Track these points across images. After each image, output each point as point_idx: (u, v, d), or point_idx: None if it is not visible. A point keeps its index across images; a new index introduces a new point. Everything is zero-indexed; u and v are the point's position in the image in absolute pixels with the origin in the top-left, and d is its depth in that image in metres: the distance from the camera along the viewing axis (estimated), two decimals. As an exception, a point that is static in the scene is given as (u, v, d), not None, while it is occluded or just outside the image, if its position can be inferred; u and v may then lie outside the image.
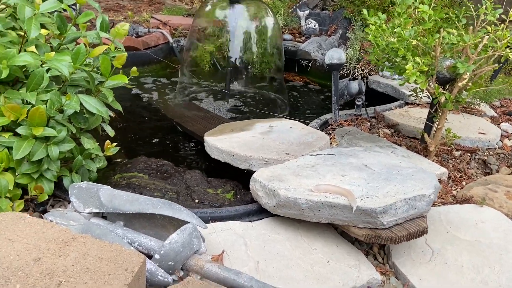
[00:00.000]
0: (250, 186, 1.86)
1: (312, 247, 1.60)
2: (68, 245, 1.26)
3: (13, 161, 1.58)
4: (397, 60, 2.17)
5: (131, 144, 2.77)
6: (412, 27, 2.16)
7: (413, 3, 2.17)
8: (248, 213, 1.81)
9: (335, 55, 2.80)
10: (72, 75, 1.84)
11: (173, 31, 4.82)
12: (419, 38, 2.19)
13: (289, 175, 1.81)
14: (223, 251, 1.51)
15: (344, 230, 1.63)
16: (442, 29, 2.19)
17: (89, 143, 1.82)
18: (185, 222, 1.43)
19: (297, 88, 4.24)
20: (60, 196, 1.77)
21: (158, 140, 2.87)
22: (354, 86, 2.95)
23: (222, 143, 2.27)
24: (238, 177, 2.27)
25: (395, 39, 2.08)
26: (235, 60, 3.78)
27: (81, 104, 1.78)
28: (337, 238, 1.67)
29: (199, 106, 3.42)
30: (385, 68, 2.30)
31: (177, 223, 1.51)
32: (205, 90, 3.83)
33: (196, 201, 2.09)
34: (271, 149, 2.17)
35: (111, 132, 2.00)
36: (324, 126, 2.90)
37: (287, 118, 2.75)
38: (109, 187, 1.55)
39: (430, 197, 1.60)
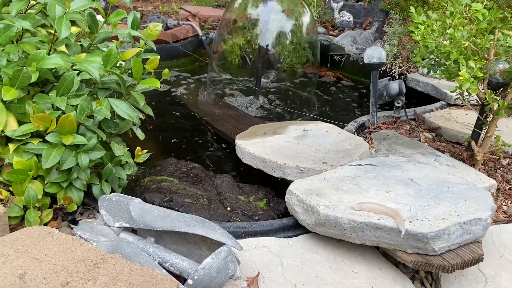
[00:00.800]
0: (286, 199, 1.75)
1: (353, 270, 1.49)
2: (98, 267, 1.18)
3: (42, 169, 1.52)
4: (447, 64, 2.00)
5: (160, 143, 2.70)
6: (464, 27, 1.98)
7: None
8: (284, 228, 1.70)
9: (375, 54, 2.64)
10: (103, 78, 1.76)
11: (202, 23, 4.72)
12: (471, 39, 2.01)
13: (328, 189, 1.69)
14: (259, 273, 1.41)
15: (389, 253, 1.51)
16: (496, 30, 2.01)
17: (119, 149, 1.74)
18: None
19: (329, 84, 4.08)
20: (89, 204, 1.71)
21: (187, 140, 2.80)
22: (394, 86, 2.79)
23: (255, 148, 2.17)
24: (271, 183, 2.16)
25: (447, 41, 1.91)
26: (266, 54, 3.66)
27: (111, 109, 1.70)
28: (380, 260, 1.55)
29: (228, 103, 3.32)
30: (431, 71, 2.13)
31: (211, 241, 1.42)
32: (234, 86, 3.73)
33: (228, 209, 2.00)
34: (307, 156, 2.06)
35: (141, 135, 1.92)
36: (360, 129, 2.76)
37: (320, 120, 2.62)
38: (139, 200, 1.47)
39: (487, 221, 1.46)
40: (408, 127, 2.87)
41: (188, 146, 2.72)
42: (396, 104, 2.86)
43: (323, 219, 1.52)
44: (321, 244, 1.60)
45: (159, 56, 1.71)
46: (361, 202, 1.54)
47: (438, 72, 2.14)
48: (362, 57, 4.37)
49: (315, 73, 3.62)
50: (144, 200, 2.02)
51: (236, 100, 3.42)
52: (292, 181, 2.02)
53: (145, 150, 1.78)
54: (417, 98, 3.46)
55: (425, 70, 3.54)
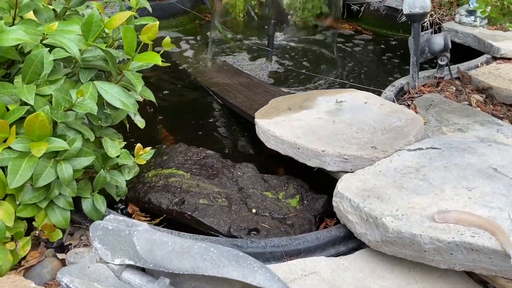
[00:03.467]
0: (335, 204, 1.36)
1: (436, 302, 1.12)
2: None
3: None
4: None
5: (164, 125, 2.28)
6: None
7: None
8: (333, 242, 1.33)
9: (417, 3, 2.16)
10: (84, 54, 1.33)
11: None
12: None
13: (389, 188, 1.30)
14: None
15: (486, 279, 1.14)
16: None
17: (113, 148, 1.34)
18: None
19: (347, 39, 3.58)
20: (79, 222, 1.33)
21: (195, 118, 2.37)
22: (438, 41, 2.33)
23: (281, 129, 1.76)
24: (302, 172, 1.76)
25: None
26: (278, 7, 3.15)
27: (99, 95, 1.28)
28: (466, 284, 1.18)
29: (237, 69, 2.86)
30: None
31: (246, 276, 1.04)
32: (241, 47, 3.25)
33: (253, 210, 1.62)
34: (349, 139, 1.65)
35: (141, 122, 1.51)
36: (399, 95, 2.33)
37: (346, 84, 2.18)
38: (146, 226, 1.08)
39: None
40: (454, 88, 2.43)
41: (196, 126, 2.30)
42: (439, 62, 2.41)
43: (393, 236, 1.14)
44: (386, 264, 1.22)
45: (157, 22, 1.26)
46: (442, 210, 1.15)
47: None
48: (384, 6, 3.85)
49: (336, 27, 3.12)
50: (149, 202, 1.64)
51: (245, 64, 2.96)
52: (332, 172, 1.63)
53: (148, 148, 1.37)
54: (456, 52, 2.99)
55: (464, 18, 3.05)
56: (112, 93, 1.30)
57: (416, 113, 2.12)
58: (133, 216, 1.63)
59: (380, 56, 3.26)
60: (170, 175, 1.76)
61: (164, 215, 1.62)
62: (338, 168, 1.59)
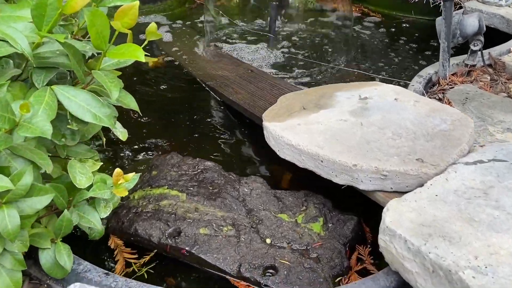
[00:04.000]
0: (382, 242, 1.03)
1: None
2: None
3: None
4: None
5: (152, 130, 1.92)
6: None
7: None
8: (383, 294, 1.00)
9: (450, -23, 1.82)
10: (39, 49, 0.97)
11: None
12: None
13: (455, 221, 0.97)
14: None
15: None
16: None
17: (83, 174, 0.99)
18: None
19: (354, 22, 3.22)
20: (38, 278, 0.99)
21: (189, 118, 2.02)
22: (472, 22, 1.99)
23: (297, 135, 1.42)
24: (321, 184, 1.43)
25: None
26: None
27: (61, 105, 0.93)
28: None
29: (235, 59, 2.50)
30: None
31: None
32: (239, 33, 2.88)
33: (268, 241, 1.29)
34: (385, 148, 1.32)
35: (122, 133, 1.16)
36: (428, 87, 2.00)
37: (364, 75, 1.85)
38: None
39: None
40: (488, 77, 2.11)
41: (191, 130, 1.95)
42: (472, 47, 2.08)
43: (477, 300, 0.81)
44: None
45: (137, 3, 0.90)
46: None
47: None
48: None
49: (347, 9, 2.76)
50: (136, 234, 1.30)
51: (245, 53, 2.59)
52: (365, 191, 1.30)
53: (131, 174, 1.02)
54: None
55: (488, -4, 2.71)
56: (78, 101, 0.95)
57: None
58: (116, 252, 1.29)
59: (393, 41, 2.91)
60: (161, 197, 1.42)
61: (155, 251, 1.29)
62: (374, 187, 1.26)
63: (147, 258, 1.26)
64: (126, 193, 0.98)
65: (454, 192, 1.08)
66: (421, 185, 1.22)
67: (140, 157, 1.75)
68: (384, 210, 1.05)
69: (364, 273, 1.27)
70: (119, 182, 0.98)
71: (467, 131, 1.36)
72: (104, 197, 0.99)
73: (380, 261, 1.30)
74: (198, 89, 2.23)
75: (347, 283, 1.23)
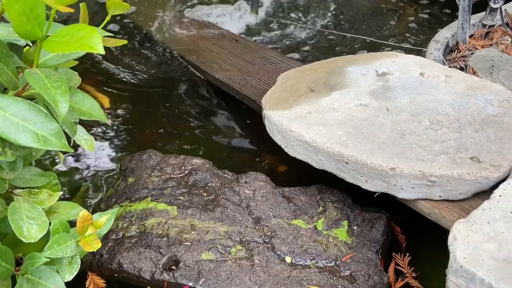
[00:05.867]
0: (451, 286, 0.77)
1: None
2: None
3: None
4: None
5: (120, 119, 1.58)
6: None
7: None
8: None
9: None
10: None
11: None
12: None
13: (551, 254, 0.72)
14: None
15: None
16: None
17: (32, 221, 0.68)
18: None
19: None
20: None
21: (169, 103, 1.69)
22: (496, -25, 1.69)
23: (310, 128, 1.13)
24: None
25: None
26: None
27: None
28: None
29: (218, 27, 2.14)
30: None
31: None
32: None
33: (288, 259, 1.04)
34: (425, 143, 1.04)
35: (88, 142, 0.85)
36: (446, 53, 1.72)
37: (366, 44, 1.55)
38: None
39: None
40: (510, 39, 1.84)
41: (170, 119, 1.62)
42: (492, 4, 1.79)
43: None
44: None
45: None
46: None
47: None
48: None
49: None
50: (120, 269, 1.00)
51: (225, 20, 2.23)
52: (404, 200, 1.03)
53: (103, 218, 0.71)
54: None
55: None
56: (9, 115, 0.62)
57: (479, 80, 1.53)
58: (92, 296, 1.00)
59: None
60: (145, 214, 1.11)
61: (147, 290, 1.01)
62: (418, 195, 0.99)
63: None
64: (99, 245, 0.68)
65: (535, 207, 0.82)
66: (478, 192, 0.96)
67: (109, 159, 1.42)
68: (450, 239, 0.78)
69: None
70: (86, 233, 0.67)
71: (522, 115, 1.09)
72: (66, 255, 0.68)
73: (422, 272, 1.06)
74: (177, 67, 1.88)
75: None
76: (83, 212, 0.68)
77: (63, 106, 0.60)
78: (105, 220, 0.69)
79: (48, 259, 0.68)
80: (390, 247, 1.14)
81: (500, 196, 0.85)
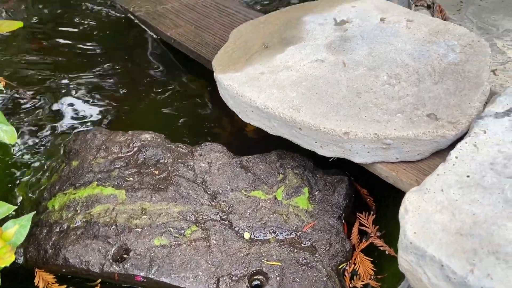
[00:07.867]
0: (404, 264, 0.74)
1: None
2: None
3: None
4: None
5: (57, 89, 1.47)
6: None
7: None
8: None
9: None
10: None
11: None
12: None
13: (504, 221, 0.69)
14: None
15: None
16: None
17: None
18: None
19: None
20: None
21: (114, 67, 1.57)
22: None
23: (262, 91, 1.05)
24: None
25: None
26: None
27: None
28: None
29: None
30: None
31: None
32: None
33: (247, 235, 1.01)
34: (382, 100, 0.98)
35: (9, 134, 0.79)
36: (412, -9, 1.60)
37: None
38: None
39: None
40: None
41: (115, 88, 1.51)
42: None
43: None
44: None
45: None
46: None
47: None
48: None
49: None
50: (66, 264, 0.96)
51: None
52: (363, 164, 0.99)
53: (13, 228, 0.65)
54: None
55: None
56: None
57: (446, 19, 1.44)
58: (46, 290, 0.96)
59: None
60: (91, 200, 1.06)
61: (99, 281, 0.97)
62: (374, 159, 0.95)
63: (92, 292, 0.95)
64: (12, 259, 0.62)
65: (491, 167, 0.78)
66: (436, 151, 0.91)
67: (48, 140, 1.33)
68: (401, 211, 0.74)
69: (371, 250, 1.03)
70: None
71: (484, 62, 1.02)
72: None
73: (387, 230, 1.05)
74: (124, 23, 1.74)
75: (352, 270, 0.99)
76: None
77: None
78: (14, 231, 0.63)
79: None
80: (358, 210, 1.11)
81: (456, 157, 0.81)
